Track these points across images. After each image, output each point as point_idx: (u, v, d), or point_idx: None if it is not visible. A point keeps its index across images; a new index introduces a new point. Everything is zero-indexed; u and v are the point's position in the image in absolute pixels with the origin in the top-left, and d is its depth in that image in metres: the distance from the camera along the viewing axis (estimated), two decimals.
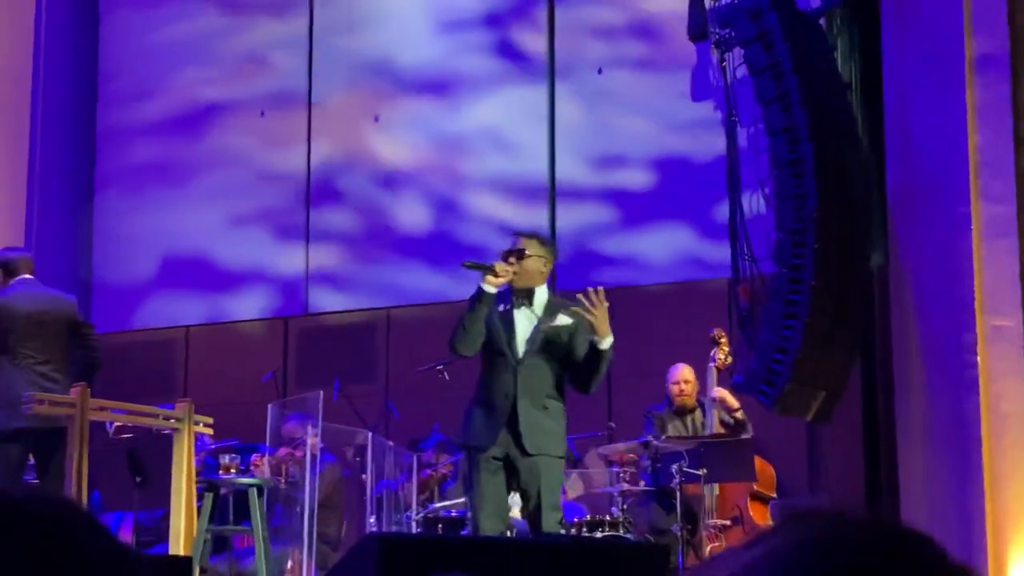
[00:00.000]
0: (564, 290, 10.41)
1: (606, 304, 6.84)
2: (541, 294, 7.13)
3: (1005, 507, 8.55)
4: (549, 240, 7.47)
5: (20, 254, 8.78)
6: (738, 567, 0.83)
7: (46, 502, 0.78)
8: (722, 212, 10.23)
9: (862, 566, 0.82)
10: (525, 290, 7.04)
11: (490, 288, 6.84)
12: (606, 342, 6.84)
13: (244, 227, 12.89)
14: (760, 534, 0.89)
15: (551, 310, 7.08)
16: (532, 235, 7.28)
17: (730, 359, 9.08)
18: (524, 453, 6.84)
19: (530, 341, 6.99)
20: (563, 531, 7.03)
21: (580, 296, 6.86)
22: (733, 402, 9.00)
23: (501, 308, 7.01)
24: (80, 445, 7.39)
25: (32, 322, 8.17)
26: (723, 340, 9.11)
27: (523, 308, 7.04)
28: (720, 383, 9.02)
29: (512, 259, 6.92)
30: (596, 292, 6.83)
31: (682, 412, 9.15)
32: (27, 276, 8.45)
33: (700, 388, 9.21)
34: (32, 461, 8.12)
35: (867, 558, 0.83)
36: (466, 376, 9.84)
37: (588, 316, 6.81)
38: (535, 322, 7.03)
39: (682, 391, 9.14)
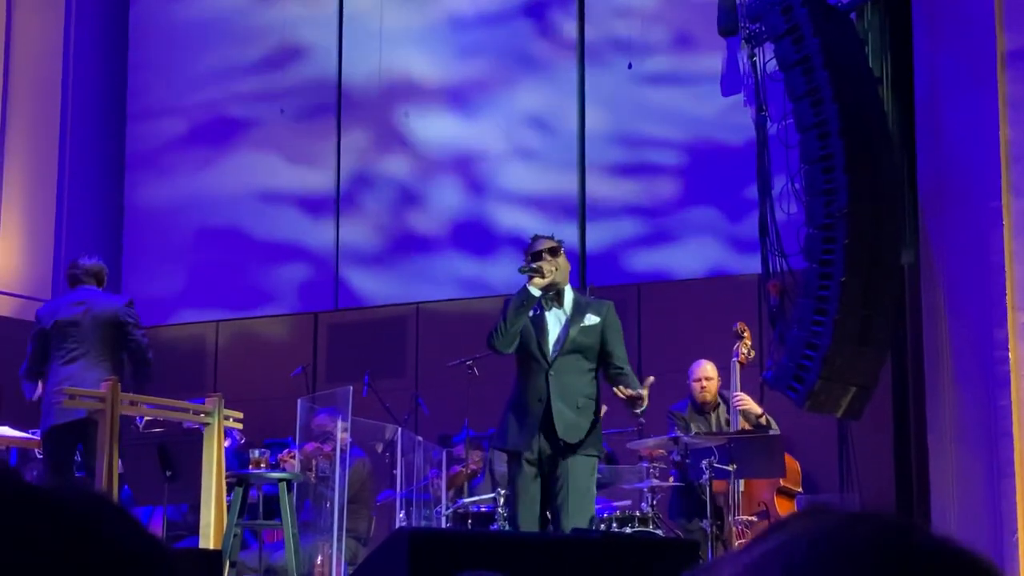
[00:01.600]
0: (593, 284, 10.50)
1: (643, 397, 6.99)
2: (568, 294, 7.28)
3: None
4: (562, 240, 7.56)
5: (94, 261, 8.87)
6: (744, 565, 0.82)
7: (78, 494, 0.78)
8: (751, 194, 10.24)
9: (876, 566, 0.79)
10: (555, 291, 7.18)
11: (536, 291, 7.01)
12: (642, 407, 7.08)
13: (274, 211, 12.94)
14: (769, 529, 0.87)
15: (580, 309, 7.22)
16: (550, 237, 7.38)
17: (753, 353, 9.08)
18: (560, 453, 6.97)
19: (560, 342, 7.12)
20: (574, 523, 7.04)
21: (628, 393, 6.97)
22: (756, 408, 9.01)
23: (532, 313, 7.13)
24: (110, 440, 7.43)
25: (64, 325, 8.30)
26: (746, 334, 9.09)
27: (553, 309, 7.19)
28: (743, 377, 9.01)
29: (548, 256, 7.09)
30: (646, 387, 7.03)
31: (704, 409, 9.15)
32: (89, 285, 8.62)
33: (724, 382, 9.20)
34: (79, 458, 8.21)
35: (882, 557, 0.79)
36: (496, 372, 9.88)
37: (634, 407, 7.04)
38: (564, 322, 7.17)
39: (704, 387, 9.14)
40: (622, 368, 7.23)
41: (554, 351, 7.10)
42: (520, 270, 7.19)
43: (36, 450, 8.46)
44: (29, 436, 8.41)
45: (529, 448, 7.01)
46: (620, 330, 7.37)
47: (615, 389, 7.08)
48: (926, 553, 0.78)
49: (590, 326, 7.17)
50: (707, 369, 9.14)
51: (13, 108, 14.27)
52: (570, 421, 7.00)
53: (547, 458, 7.01)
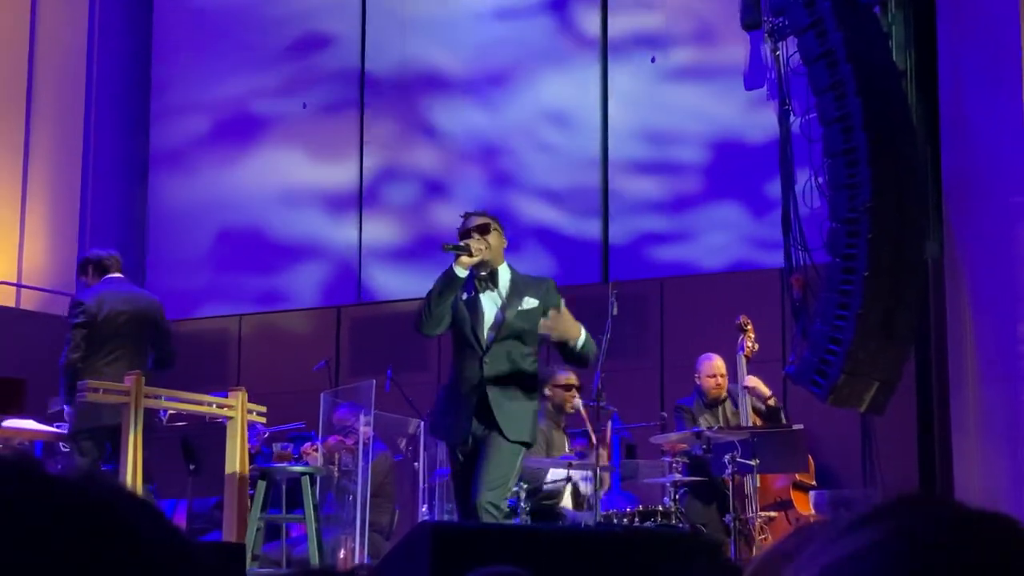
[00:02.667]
0: (619, 281, 10.50)
1: (562, 315, 6.71)
2: (504, 274, 6.92)
3: None
4: (497, 216, 7.16)
5: (110, 253, 8.91)
6: (834, 558, 0.76)
7: (104, 486, 0.77)
8: (774, 190, 10.25)
9: (983, 566, 0.75)
10: (488, 272, 6.84)
11: (461, 271, 6.67)
12: (580, 341, 6.71)
13: (298, 207, 12.97)
14: (856, 520, 0.81)
15: (517, 291, 6.87)
16: (482, 212, 7.07)
17: (757, 346, 9.06)
18: (491, 437, 6.67)
19: (496, 327, 6.79)
20: (496, 513, 6.64)
21: (542, 322, 6.71)
22: (765, 390, 8.99)
23: (465, 296, 6.81)
24: (134, 433, 7.45)
25: (113, 317, 8.34)
26: (749, 327, 9.07)
27: (487, 292, 6.85)
28: (748, 371, 9.01)
29: (475, 235, 6.75)
30: (555, 312, 6.72)
31: (713, 404, 9.14)
32: (116, 275, 8.66)
33: (730, 376, 9.19)
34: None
35: (988, 556, 0.75)
36: None
37: (553, 335, 6.73)
38: (500, 306, 6.84)
39: (718, 384, 9.11)
40: (575, 346, 6.77)
41: (489, 337, 6.76)
42: (443, 248, 6.85)
43: (61, 444, 8.48)
44: (55, 430, 8.42)
45: (463, 443, 6.77)
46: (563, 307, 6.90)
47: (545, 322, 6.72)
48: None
49: (529, 310, 6.79)
50: (720, 366, 9.11)
51: (37, 106, 14.34)
52: (507, 411, 6.68)
53: (479, 438, 6.72)
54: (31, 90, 14.40)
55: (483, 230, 6.78)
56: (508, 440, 6.65)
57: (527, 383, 6.81)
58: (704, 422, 8.86)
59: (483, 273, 6.80)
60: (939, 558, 0.72)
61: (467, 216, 7.05)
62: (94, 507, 0.72)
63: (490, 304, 6.83)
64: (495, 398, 6.67)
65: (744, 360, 8.97)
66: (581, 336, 6.71)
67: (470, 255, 6.64)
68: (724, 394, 9.10)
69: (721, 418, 9.00)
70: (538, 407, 7.02)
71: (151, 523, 0.75)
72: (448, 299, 6.74)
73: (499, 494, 6.68)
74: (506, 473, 6.69)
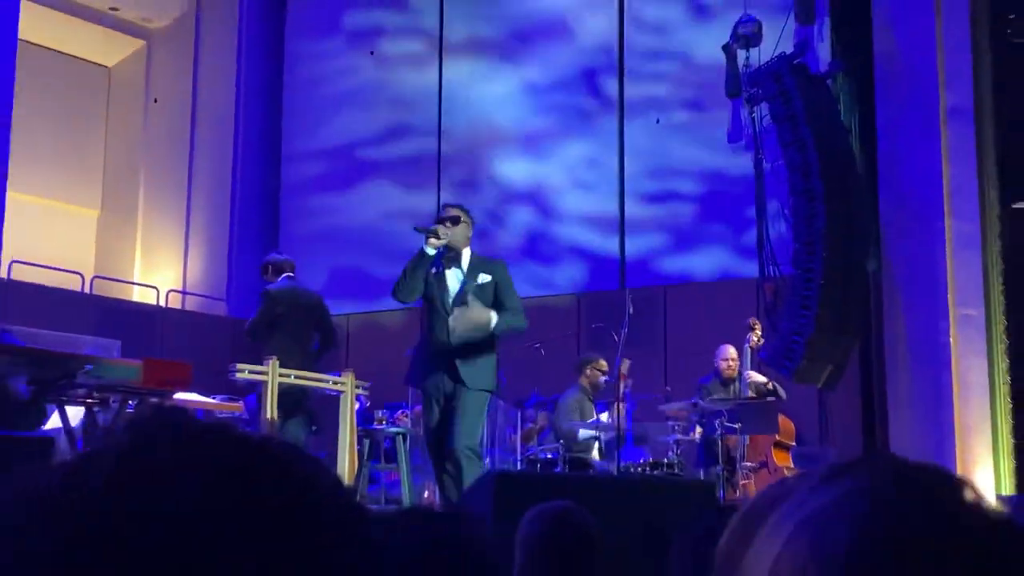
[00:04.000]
0: (633, 287, 10.52)
1: (462, 314, 6.40)
2: (466, 256, 6.63)
3: (971, 452, 8.53)
4: (469, 210, 6.84)
5: (285, 257, 8.89)
6: (803, 517, 0.70)
7: (288, 447, 0.69)
8: (751, 215, 10.24)
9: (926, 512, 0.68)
10: (454, 253, 6.57)
11: (430, 250, 6.42)
12: (492, 324, 6.42)
13: (391, 226, 13.01)
14: (824, 477, 0.74)
15: (474, 270, 6.58)
16: (458, 206, 6.78)
17: (762, 341, 9.05)
18: (458, 388, 6.38)
19: (459, 296, 6.51)
20: (473, 456, 6.33)
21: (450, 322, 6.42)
22: (761, 379, 8.97)
23: (434, 270, 6.54)
24: (271, 402, 7.46)
25: (288, 307, 8.32)
26: (756, 326, 9.05)
27: (452, 268, 6.58)
28: (753, 359, 8.99)
29: (448, 224, 6.49)
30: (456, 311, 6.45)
31: (727, 382, 9.13)
32: (290, 275, 8.64)
33: (739, 362, 9.18)
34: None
35: (936, 507, 0.69)
36: (558, 353, 9.96)
37: (459, 330, 6.41)
38: (462, 280, 6.56)
39: (729, 366, 9.05)
40: (493, 329, 6.47)
41: (454, 303, 6.47)
42: (415, 229, 6.62)
43: (217, 412, 8.48)
44: (215, 401, 8.44)
45: (436, 388, 6.42)
46: (511, 284, 6.64)
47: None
48: (971, 503, 0.69)
49: (484, 284, 6.53)
50: (732, 352, 9.06)
51: (198, 152, 14.49)
52: (469, 365, 6.38)
53: (448, 393, 6.41)
54: (193, 140, 14.54)
55: (454, 221, 6.52)
56: (472, 389, 6.38)
57: (485, 341, 6.49)
58: (717, 395, 8.83)
59: (449, 254, 6.52)
60: (891, 507, 0.68)
61: (445, 207, 6.83)
62: (285, 465, 0.65)
63: (453, 279, 6.55)
64: (460, 354, 6.40)
65: (750, 351, 8.94)
66: (492, 320, 6.42)
67: (437, 238, 6.39)
68: (735, 374, 9.07)
69: (731, 393, 8.95)
70: (496, 360, 6.61)
71: (331, 479, 0.68)
72: (420, 272, 6.48)
73: (473, 439, 6.44)
74: (475, 420, 6.47)
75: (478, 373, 6.41)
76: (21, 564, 0.56)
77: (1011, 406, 8.54)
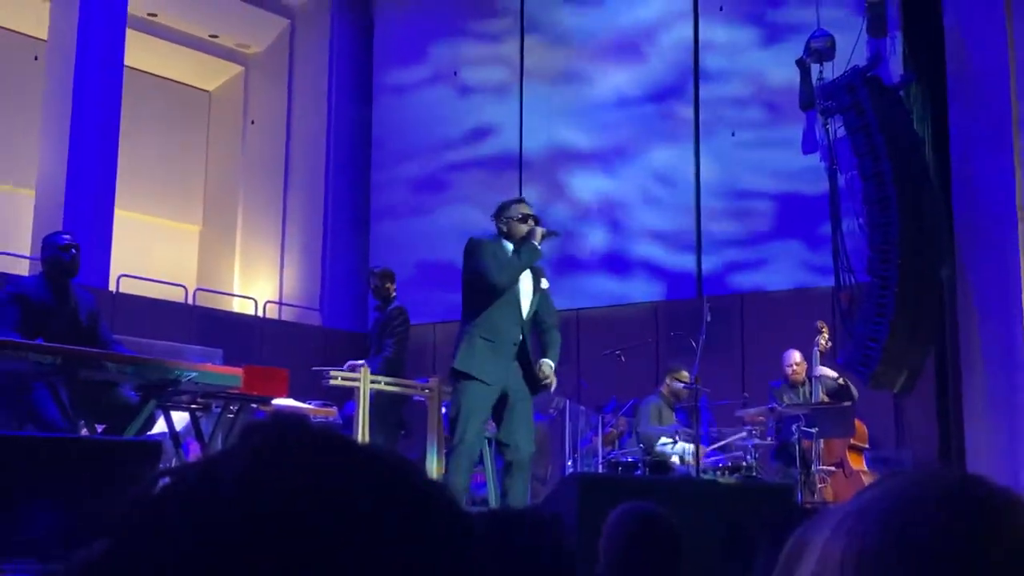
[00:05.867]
0: (710, 295, 10.44)
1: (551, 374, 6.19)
2: None
3: None
4: None
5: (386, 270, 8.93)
6: (847, 512, 0.72)
7: (387, 451, 0.68)
8: (824, 230, 10.12)
9: (955, 508, 0.68)
10: None
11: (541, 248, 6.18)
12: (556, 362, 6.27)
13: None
14: (866, 488, 0.76)
15: (537, 273, 6.35)
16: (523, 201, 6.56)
17: (830, 343, 8.92)
18: (519, 390, 6.17)
19: (531, 299, 6.28)
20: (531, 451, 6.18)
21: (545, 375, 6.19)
22: (832, 373, 8.84)
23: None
24: (363, 406, 7.51)
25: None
26: (824, 329, 8.93)
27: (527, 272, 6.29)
28: (823, 362, 8.88)
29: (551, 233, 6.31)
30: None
31: (795, 386, 9.03)
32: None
33: (808, 367, 9.07)
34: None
35: (958, 501, 0.69)
36: (636, 360, 9.91)
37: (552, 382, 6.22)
38: (533, 282, 6.33)
39: (794, 371, 8.96)
40: (552, 332, 6.35)
41: (529, 308, 6.23)
42: (544, 234, 6.21)
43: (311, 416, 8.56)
44: (309, 406, 8.52)
45: (503, 384, 6.10)
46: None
47: (542, 362, 6.19)
48: (990, 494, 0.70)
49: (545, 289, 6.34)
50: (796, 357, 8.98)
51: (292, 177, 14.67)
52: (531, 371, 6.18)
53: (508, 390, 6.13)
54: (288, 159, 14.73)
55: (555, 234, 6.36)
56: (531, 398, 6.23)
57: (528, 348, 6.27)
58: (788, 399, 8.75)
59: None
60: (913, 503, 0.70)
61: (519, 202, 6.52)
62: (385, 465, 0.65)
63: (526, 281, 6.28)
64: (527, 357, 6.19)
65: (819, 354, 8.83)
66: (555, 362, 6.28)
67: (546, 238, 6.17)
68: (803, 378, 8.96)
69: (801, 396, 8.87)
70: None
71: (430, 482, 0.68)
72: (526, 268, 6.20)
73: (533, 445, 6.27)
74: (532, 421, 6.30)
75: (530, 383, 6.24)
76: (165, 551, 0.57)
77: None
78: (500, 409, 6.17)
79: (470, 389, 6.07)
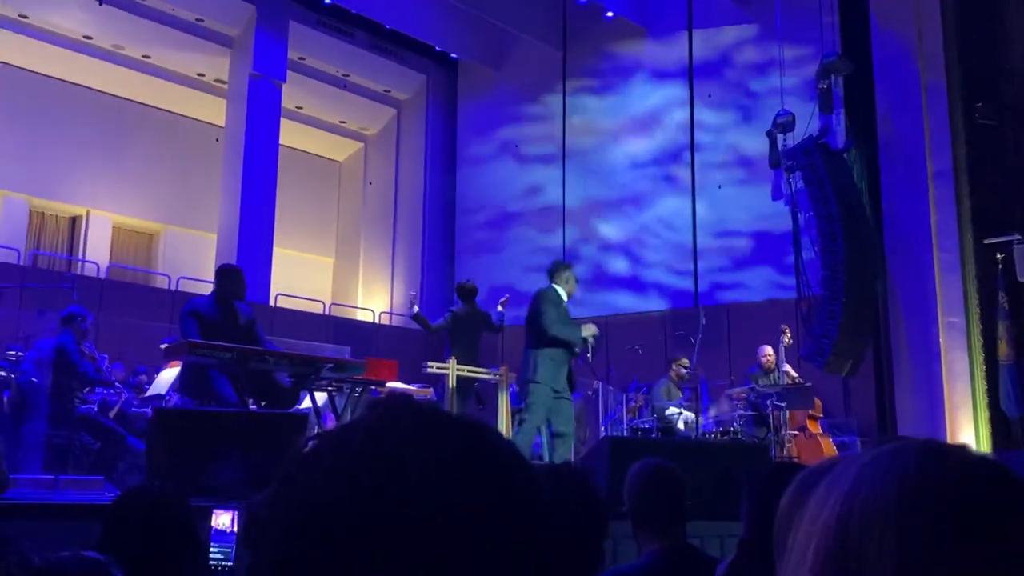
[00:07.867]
0: (704, 306, 10.33)
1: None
2: None
3: (956, 422, 8.23)
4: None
5: (463, 283, 8.73)
6: (861, 465, 0.61)
7: (489, 427, 0.63)
8: (789, 258, 9.98)
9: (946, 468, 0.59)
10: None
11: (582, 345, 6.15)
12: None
13: (532, 267, 13.05)
14: (859, 459, 0.63)
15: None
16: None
17: (791, 340, 8.77)
18: (566, 408, 6.27)
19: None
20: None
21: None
22: (793, 373, 8.70)
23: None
24: (451, 387, 7.49)
25: (462, 322, 8.20)
26: (787, 330, 8.76)
27: None
28: (787, 356, 8.74)
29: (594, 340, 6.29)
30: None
31: (767, 372, 8.89)
32: (465, 300, 8.51)
33: (776, 358, 8.90)
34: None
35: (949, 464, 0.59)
36: (650, 352, 9.82)
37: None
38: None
39: (767, 361, 8.82)
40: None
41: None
42: (592, 339, 6.29)
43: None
44: (417, 388, 8.43)
45: (566, 397, 6.24)
46: None
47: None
48: (944, 445, 0.61)
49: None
50: (768, 350, 8.80)
51: (400, 219, 14.75)
52: (572, 373, 6.30)
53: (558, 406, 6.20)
54: (396, 208, 14.82)
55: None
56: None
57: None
58: (762, 382, 8.63)
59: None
60: (922, 458, 0.59)
61: (571, 268, 6.52)
62: (472, 431, 0.61)
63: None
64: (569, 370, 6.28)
65: (783, 348, 8.69)
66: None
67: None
68: (773, 366, 8.83)
69: (772, 380, 8.74)
70: None
71: (508, 446, 0.63)
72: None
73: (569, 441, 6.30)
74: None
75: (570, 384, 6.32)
76: (314, 492, 0.56)
77: (986, 387, 8.25)
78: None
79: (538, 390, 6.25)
